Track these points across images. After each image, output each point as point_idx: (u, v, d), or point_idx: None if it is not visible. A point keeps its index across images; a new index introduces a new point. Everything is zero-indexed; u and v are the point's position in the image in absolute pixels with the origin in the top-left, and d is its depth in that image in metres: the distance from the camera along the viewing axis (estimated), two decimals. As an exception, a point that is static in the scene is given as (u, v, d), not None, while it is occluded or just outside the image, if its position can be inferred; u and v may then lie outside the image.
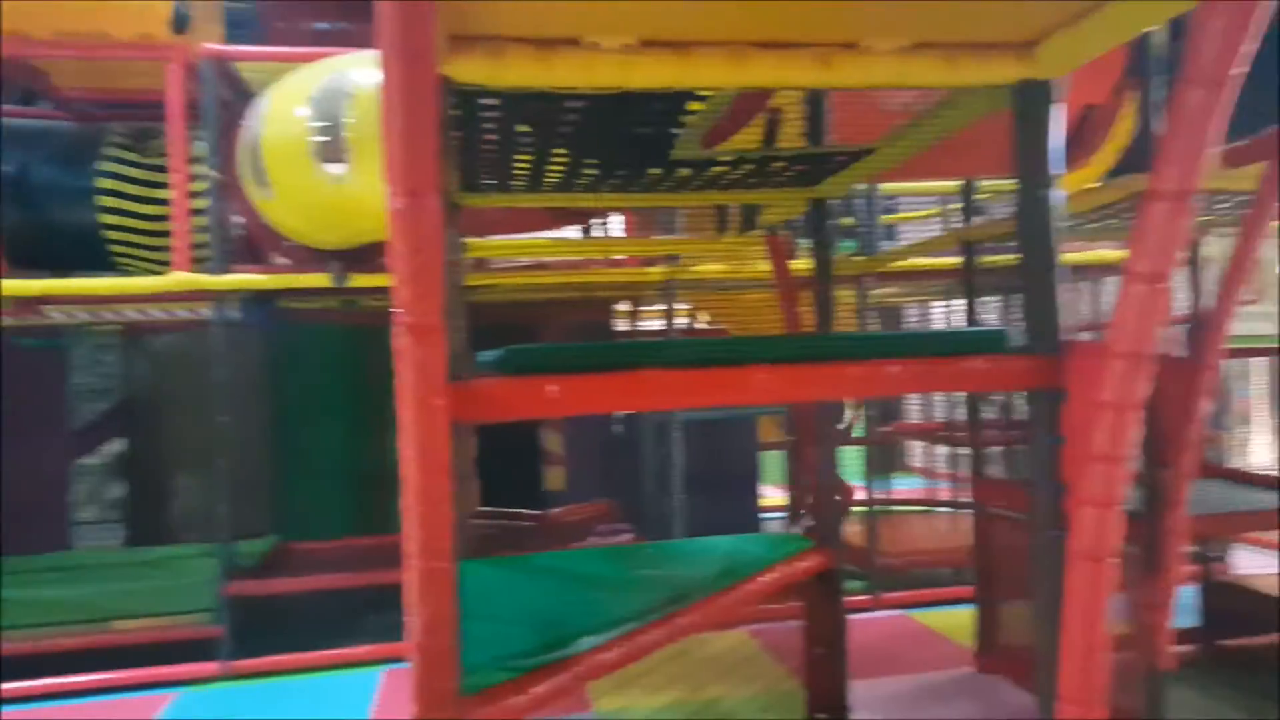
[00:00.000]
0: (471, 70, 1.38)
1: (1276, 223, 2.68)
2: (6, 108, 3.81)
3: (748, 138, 2.40)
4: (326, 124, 2.95)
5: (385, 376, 1.13)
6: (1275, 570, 3.86)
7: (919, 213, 5.53)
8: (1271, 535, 4.23)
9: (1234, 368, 6.96)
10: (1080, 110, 2.68)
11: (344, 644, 3.42)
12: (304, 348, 4.47)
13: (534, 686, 1.39)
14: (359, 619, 3.68)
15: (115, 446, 4.51)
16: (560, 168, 2.12)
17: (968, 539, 3.25)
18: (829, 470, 2.41)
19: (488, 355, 1.36)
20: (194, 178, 3.40)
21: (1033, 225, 1.50)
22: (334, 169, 2.97)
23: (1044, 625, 1.41)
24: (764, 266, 3.14)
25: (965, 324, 3.46)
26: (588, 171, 2.17)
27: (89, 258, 3.60)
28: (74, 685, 3.17)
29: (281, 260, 3.69)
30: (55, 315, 3.71)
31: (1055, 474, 1.37)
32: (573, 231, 4.30)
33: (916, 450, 7.67)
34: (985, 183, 3.96)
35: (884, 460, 5.05)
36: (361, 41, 2.68)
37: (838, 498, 2.28)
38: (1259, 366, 7.26)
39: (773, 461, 6.25)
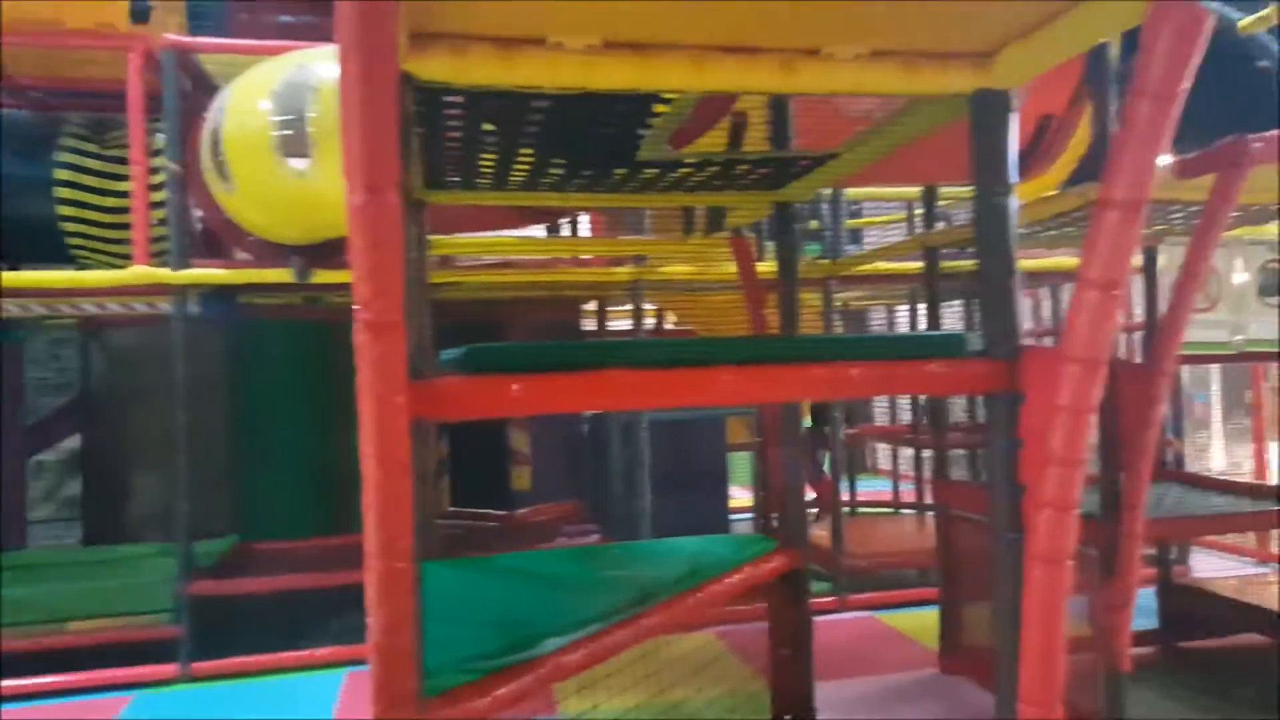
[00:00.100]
0: (435, 68, 1.38)
1: (1229, 232, 2.75)
2: (-40, 97, 3.73)
3: (713, 140, 2.41)
4: (289, 118, 2.92)
5: (348, 374, 1.11)
6: (1232, 573, 3.96)
7: (883, 217, 5.59)
8: (1229, 539, 4.33)
9: (1194, 374, 7.12)
10: (1038, 120, 2.73)
11: (306, 646, 3.39)
12: (265, 344, 4.41)
13: (497, 688, 1.38)
14: (321, 620, 3.63)
15: (72, 442, 4.43)
16: (526, 166, 2.11)
17: (933, 541, 3.29)
18: (795, 471, 2.42)
19: (451, 353, 1.35)
20: (154, 170, 3.34)
21: (990, 231, 1.52)
22: (296, 163, 2.94)
23: (1004, 627, 1.43)
24: (730, 268, 3.16)
25: (928, 328, 3.50)
26: (554, 170, 2.16)
27: (46, 250, 3.53)
28: (28, 688, 3.10)
29: (243, 255, 3.64)
30: (10, 308, 3.62)
31: (1014, 476, 1.39)
32: (539, 230, 4.28)
33: (882, 452, 7.75)
34: (948, 189, 4.02)
35: (850, 462, 5.08)
36: (326, 35, 2.62)
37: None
38: (1216, 373, 7.43)
39: (741, 462, 6.28)
